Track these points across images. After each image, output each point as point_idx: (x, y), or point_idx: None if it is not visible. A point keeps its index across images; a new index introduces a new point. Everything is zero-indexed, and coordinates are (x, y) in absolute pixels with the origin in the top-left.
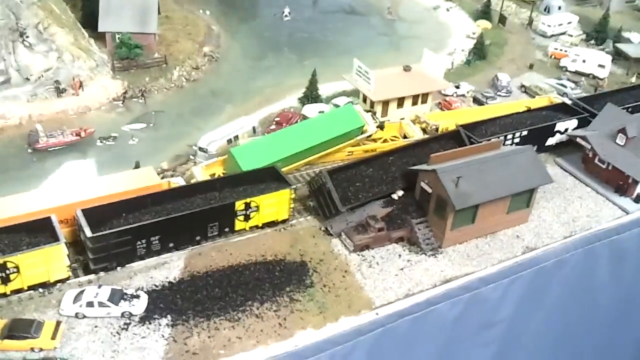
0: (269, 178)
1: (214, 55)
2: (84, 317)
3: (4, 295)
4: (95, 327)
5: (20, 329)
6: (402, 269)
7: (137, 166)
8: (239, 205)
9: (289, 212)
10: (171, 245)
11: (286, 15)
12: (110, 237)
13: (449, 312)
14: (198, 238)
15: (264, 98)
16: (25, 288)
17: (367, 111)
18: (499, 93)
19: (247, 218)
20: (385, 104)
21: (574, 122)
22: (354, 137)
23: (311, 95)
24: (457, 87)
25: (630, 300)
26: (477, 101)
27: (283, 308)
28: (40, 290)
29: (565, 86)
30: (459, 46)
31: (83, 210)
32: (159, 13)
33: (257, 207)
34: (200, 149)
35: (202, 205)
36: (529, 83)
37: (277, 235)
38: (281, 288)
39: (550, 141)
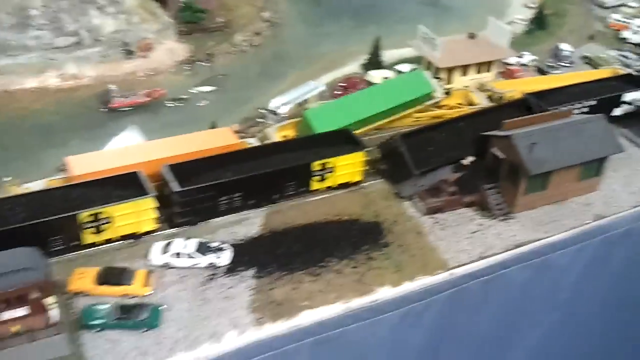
0: (342, 141)
1: (274, 20)
2: (172, 267)
3: (94, 244)
4: (184, 277)
5: (115, 276)
6: (474, 233)
7: (213, 126)
8: (316, 165)
9: (362, 174)
10: (251, 202)
11: None
12: (196, 192)
13: (519, 276)
14: (276, 196)
15: (326, 63)
16: (117, 238)
17: (434, 78)
18: (560, 63)
19: (322, 179)
20: (450, 71)
21: None
22: (423, 102)
23: (374, 61)
24: (520, 56)
25: None
26: (540, 71)
27: (361, 265)
28: (129, 241)
29: (628, 57)
30: (518, 15)
31: (169, 166)
32: None
33: (333, 168)
34: (271, 111)
35: (281, 165)
36: (591, 54)
37: (350, 196)
38: (358, 246)
39: (616, 112)
